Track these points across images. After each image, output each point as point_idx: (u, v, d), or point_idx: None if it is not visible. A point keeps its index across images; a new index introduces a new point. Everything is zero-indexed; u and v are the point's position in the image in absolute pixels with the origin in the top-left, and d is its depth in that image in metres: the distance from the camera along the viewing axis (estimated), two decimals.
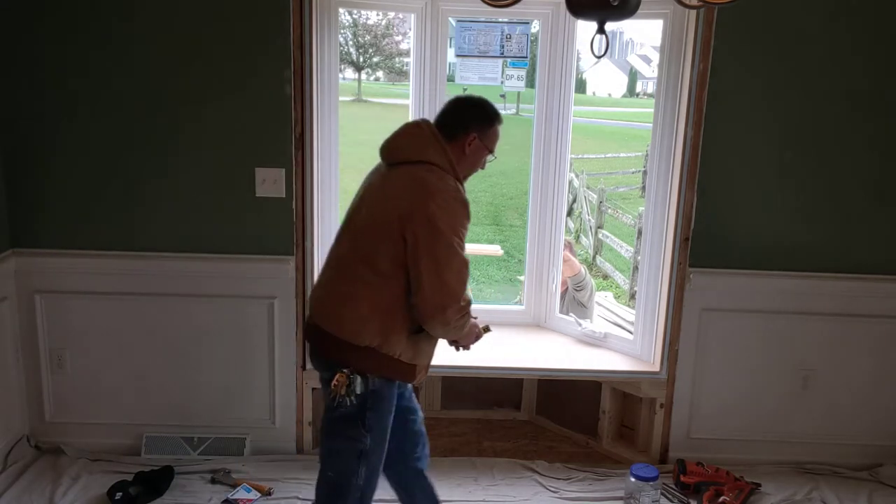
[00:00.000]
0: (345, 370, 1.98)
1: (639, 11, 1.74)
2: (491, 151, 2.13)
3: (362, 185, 2.16)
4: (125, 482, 2.80)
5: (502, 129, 2.19)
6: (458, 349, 2.24)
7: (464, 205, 2.02)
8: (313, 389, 3.13)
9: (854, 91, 2.88)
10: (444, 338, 2.13)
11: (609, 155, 14.57)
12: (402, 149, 2.07)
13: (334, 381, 1.97)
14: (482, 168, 2.21)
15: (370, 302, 1.99)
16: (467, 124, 2.07)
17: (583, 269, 4.17)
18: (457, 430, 3.44)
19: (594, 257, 9.18)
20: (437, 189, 1.97)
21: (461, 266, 1.98)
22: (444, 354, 3.21)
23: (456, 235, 1.97)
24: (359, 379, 1.99)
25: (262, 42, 2.79)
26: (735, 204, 2.97)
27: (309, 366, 3.07)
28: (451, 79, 3.40)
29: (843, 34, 2.83)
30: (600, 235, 9.24)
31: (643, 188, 11.10)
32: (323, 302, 2.10)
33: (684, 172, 2.92)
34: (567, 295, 4.01)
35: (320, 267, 3.03)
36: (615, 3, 1.63)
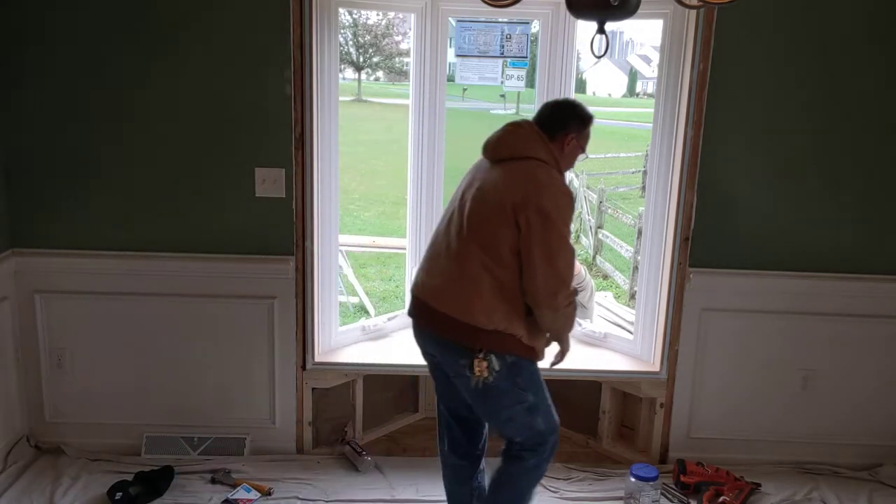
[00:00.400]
0: (480, 355, 2.11)
1: (639, 11, 1.74)
2: (584, 150, 2.30)
3: (465, 180, 2.30)
4: (125, 482, 2.80)
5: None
6: (560, 359, 2.37)
7: (570, 197, 2.18)
8: (313, 389, 3.13)
9: (855, 90, 2.87)
10: (551, 325, 2.23)
11: (609, 155, 14.56)
12: (508, 146, 2.21)
13: (476, 370, 2.12)
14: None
15: (494, 288, 2.13)
16: (566, 125, 2.23)
17: (583, 269, 4.17)
18: None
19: (594, 257, 9.18)
20: (547, 182, 2.13)
21: (570, 254, 2.14)
22: None
23: (565, 226, 2.13)
24: (493, 358, 2.13)
25: (262, 42, 2.79)
26: (735, 204, 2.97)
27: (309, 365, 3.08)
28: (451, 79, 3.40)
29: (844, 33, 2.83)
30: (600, 235, 9.24)
31: (643, 188, 11.09)
32: (445, 290, 2.20)
33: (684, 172, 2.92)
34: None
35: (320, 267, 3.06)
36: (615, 3, 1.63)
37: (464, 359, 2.16)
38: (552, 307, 2.14)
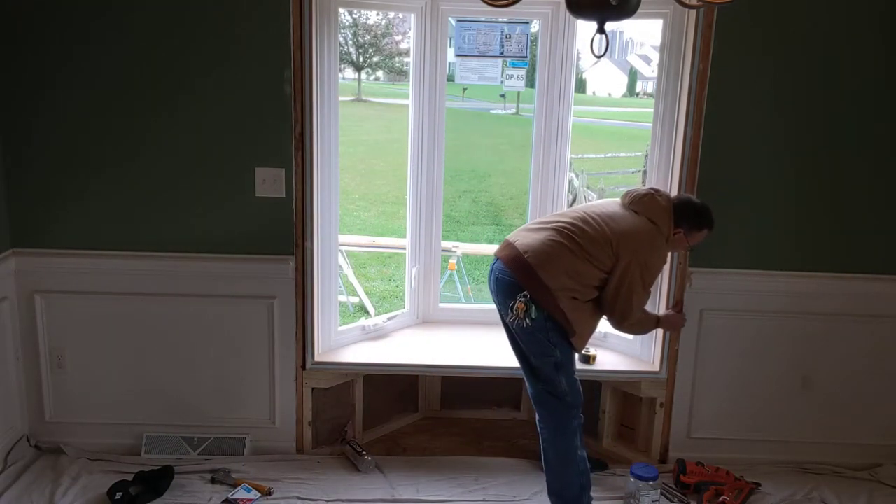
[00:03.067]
0: (522, 298, 2.56)
1: (638, 11, 1.74)
2: (687, 246, 2.81)
3: (599, 203, 2.82)
4: (125, 482, 2.81)
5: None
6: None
7: (664, 262, 2.78)
8: (313, 389, 3.13)
9: (855, 90, 2.88)
10: (624, 332, 2.90)
11: (609, 155, 14.54)
12: (646, 208, 2.69)
13: (515, 306, 2.58)
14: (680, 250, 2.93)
15: (571, 268, 2.59)
16: (679, 220, 2.69)
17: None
18: (457, 431, 3.44)
19: None
20: (657, 248, 2.68)
21: (644, 299, 2.71)
22: (441, 353, 3.23)
23: (652, 279, 2.70)
24: (534, 306, 2.56)
25: (263, 42, 2.79)
26: (735, 204, 2.96)
27: (309, 365, 3.08)
28: (450, 78, 3.40)
29: (844, 34, 2.83)
30: None
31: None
32: (539, 249, 2.62)
33: (684, 172, 2.92)
34: None
35: (320, 267, 3.06)
36: (615, 3, 1.63)
37: (511, 299, 2.60)
38: (619, 325, 2.74)
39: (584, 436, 3.30)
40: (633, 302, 2.64)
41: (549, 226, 2.68)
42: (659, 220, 2.66)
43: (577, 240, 2.60)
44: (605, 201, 2.84)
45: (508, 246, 2.71)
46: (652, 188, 2.80)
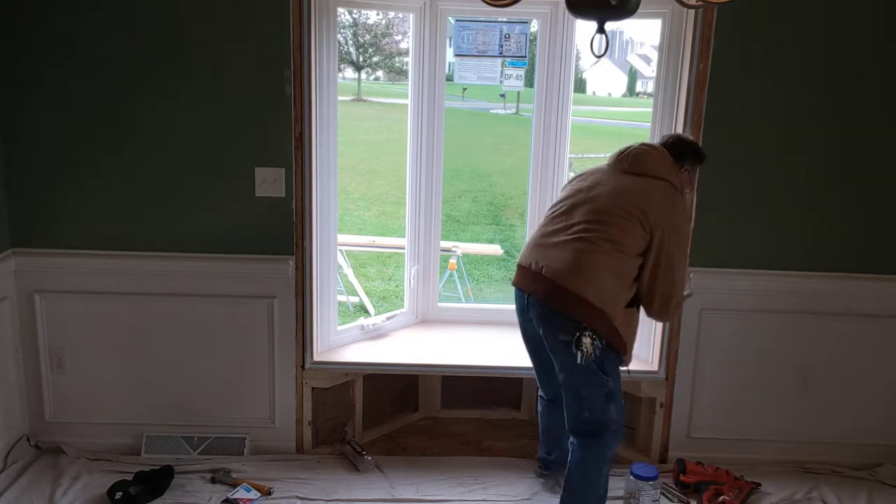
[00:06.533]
0: (587, 333, 2.35)
1: (638, 11, 1.74)
2: (693, 185, 2.68)
3: (585, 179, 2.59)
4: (125, 482, 2.81)
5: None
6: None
7: (690, 221, 2.64)
8: (313, 389, 3.13)
9: (855, 91, 2.87)
10: (659, 320, 2.64)
11: (609, 154, 14.56)
12: (649, 166, 2.49)
13: (586, 345, 2.36)
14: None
15: (611, 272, 2.39)
16: (684, 158, 2.55)
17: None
18: (457, 430, 3.44)
19: None
20: (681, 208, 2.49)
21: (685, 268, 2.52)
22: (441, 353, 3.23)
23: (687, 244, 2.53)
24: (596, 338, 2.37)
25: (262, 42, 2.79)
26: (734, 203, 2.96)
27: (308, 364, 3.08)
28: (449, 78, 3.40)
29: (845, 34, 2.83)
30: None
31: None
32: (563, 264, 2.41)
33: None
34: None
35: (320, 266, 3.06)
36: (615, 3, 1.63)
37: (565, 335, 2.38)
38: (664, 310, 2.46)
39: None
40: (675, 276, 2.42)
41: (569, 235, 2.44)
42: (665, 173, 2.48)
43: (606, 238, 2.38)
44: (594, 172, 2.60)
45: (537, 277, 2.46)
46: (642, 144, 2.59)
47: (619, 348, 2.44)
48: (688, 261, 2.56)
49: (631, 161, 2.52)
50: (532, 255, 2.52)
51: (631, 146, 2.57)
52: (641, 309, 2.53)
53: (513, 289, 2.65)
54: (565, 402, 2.55)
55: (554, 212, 2.58)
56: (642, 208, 2.39)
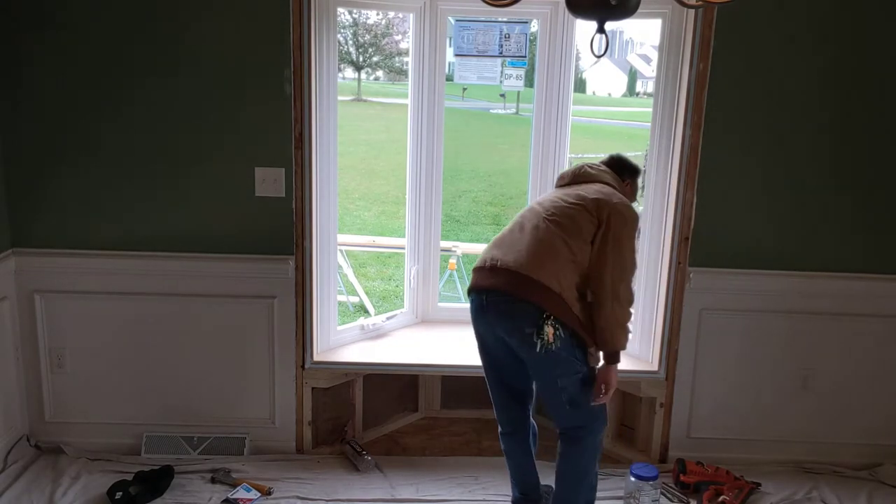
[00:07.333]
0: (550, 321, 2.34)
1: (637, 11, 1.74)
2: (635, 196, 2.74)
3: (535, 200, 2.69)
4: (125, 482, 2.81)
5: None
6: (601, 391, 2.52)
7: (637, 215, 2.55)
8: (313, 389, 3.13)
9: (855, 90, 2.87)
10: (606, 321, 2.42)
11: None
12: (587, 175, 2.60)
13: (547, 333, 2.35)
14: None
15: (567, 259, 2.41)
16: (623, 172, 2.66)
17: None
18: (457, 430, 3.44)
19: None
20: (622, 198, 2.52)
21: (634, 254, 2.48)
22: (440, 353, 3.23)
23: (634, 232, 2.48)
24: (559, 325, 2.36)
25: (262, 42, 2.79)
26: (734, 203, 2.97)
27: (308, 364, 3.08)
28: (449, 78, 3.40)
29: (845, 34, 2.83)
30: None
31: (642, 188, 11.05)
32: (520, 254, 2.43)
33: (683, 172, 2.92)
34: None
35: (319, 266, 3.06)
36: (615, 3, 1.63)
37: (530, 326, 2.37)
38: (615, 295, 2.40)
39: None
40: (624, 255, 2.40)
41: (523, 234, 2.48)
42: (608, 181, 2.57)
43: (558, 225, 2.42)
44: (543, 196, 2.67)
45: (494, 271, 2.46)
46: (579, 164, 2.68)
47: (584, 337, 2.42)
48: (636, 247, 2.55)
49: (571, 176, 2.64)
50: (486, 254, 2.55)
51: (570, 168, 2.72)
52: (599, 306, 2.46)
53: None
54: (546, 402, 2.60)
55: (511, 225, 2.59)
56: (585, 198, 2.47)
